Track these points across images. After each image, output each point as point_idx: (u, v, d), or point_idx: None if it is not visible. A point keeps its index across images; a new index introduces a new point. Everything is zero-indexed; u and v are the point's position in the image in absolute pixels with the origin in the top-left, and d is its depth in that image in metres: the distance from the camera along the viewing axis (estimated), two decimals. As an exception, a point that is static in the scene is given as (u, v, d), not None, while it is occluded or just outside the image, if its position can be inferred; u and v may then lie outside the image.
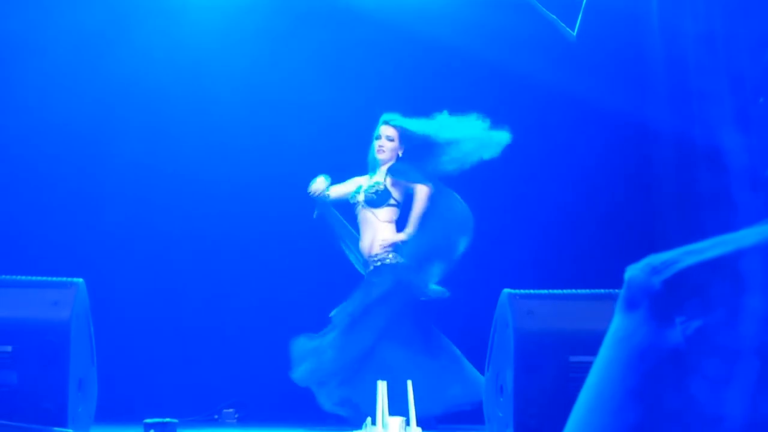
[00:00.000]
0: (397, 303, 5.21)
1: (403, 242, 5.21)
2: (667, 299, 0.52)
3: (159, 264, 6.12)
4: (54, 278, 4.19)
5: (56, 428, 3.87)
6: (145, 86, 6.10)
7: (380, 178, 5.38)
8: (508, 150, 6.26)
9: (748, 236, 0.54)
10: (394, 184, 5.34)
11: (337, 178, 5.52)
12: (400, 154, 5.40)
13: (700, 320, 0.51)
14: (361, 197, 5.37)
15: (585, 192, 6.20)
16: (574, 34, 6.12)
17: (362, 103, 6.13)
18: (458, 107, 6.28)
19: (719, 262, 0.53)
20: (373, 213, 5.31)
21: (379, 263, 5.24)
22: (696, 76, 6.16)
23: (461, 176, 6.17)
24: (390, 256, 5.24)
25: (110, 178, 6.09)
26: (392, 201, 5.35)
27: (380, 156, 5.36)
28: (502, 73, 6.15)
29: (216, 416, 5.83)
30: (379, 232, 5.26)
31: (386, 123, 5.41)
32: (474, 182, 6.23)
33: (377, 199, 5.32)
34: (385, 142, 5.39)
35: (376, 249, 5.25)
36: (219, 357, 6.14)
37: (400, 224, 5.35)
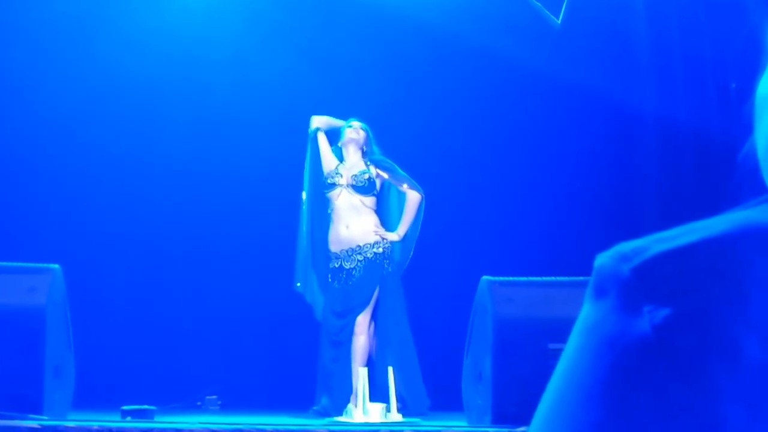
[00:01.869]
0: (391, 299, 5.20)
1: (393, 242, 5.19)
2: (636, 287, 0.52)
3: (138, 249, 6.08)
4: (30, 264, 4.17)
5: (32, 415, 3.86)
6: (125, 73, 6.04)
7: (362, 165, 5.34)
8: (490, 136, 6.25)
9: (718, 223, 0.53)
10: (378, 175, 5.29)
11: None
12: (365, 149, 5.34)
13: (669, 309, 0.50)
14: (344, 181, 5.25)
15: (567, 178, 6.19)
16: (559, 21, 6.10)
17: (350, 90, 6.10)
18: (443, 92, 6.26)
19: (689, 249, 0.52)
20: (360, 200, 5.25)
21: (381, 250, 5.12)
22: (680, 61, 6.15)
23: (442, 163, 6.16)
24: (389, 246, 5.17)
25: (88, 164, 6.04)
26: (375, 191, 5.31)
27: (353, 135, 5.29)
28: (486, 58, 6.13)
29: (199, 403, 5.83)
30: (367, 219, 5.20)
31: (356, 120, 5.38)
32: (454, 169, 6.21)
33: (367, 187, 5.25)
34: (360, 130, 5.35)
35: (371, 237, 5.14)
36: (201, 344, 6.12)
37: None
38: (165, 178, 6.14)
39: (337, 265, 5.17)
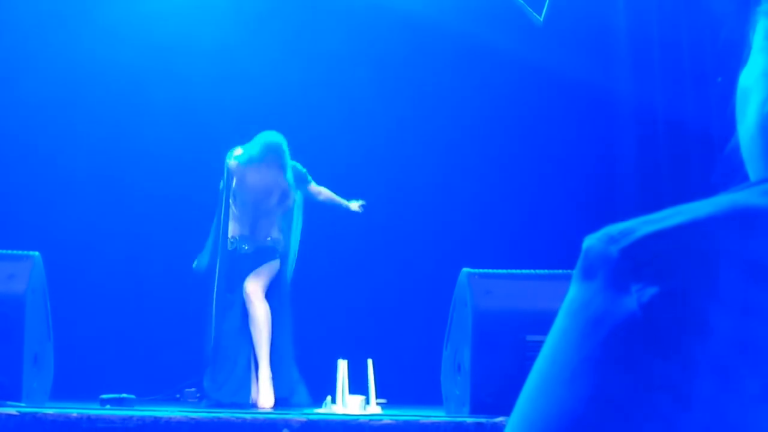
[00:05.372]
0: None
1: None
2: (624, 268, 0.53)
3: (119, 238, 6.06)
4: (9, 251, 4.15)
5: (10, 402, 3.84)
6: (107, 62, 6.02)
7: (284, 185, 5.30)
8: (469, 128, 6.27)
9: (705, 206, 0.54)
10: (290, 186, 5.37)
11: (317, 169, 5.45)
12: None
13: (656, 288, 0.51)
14: (274, 202, 5.27)
15: (547, 173, 6.22)
16: (541, 19, 6.13)
17: (336, 84, 6.10)
18: (421, 85, 6.27)
19: (677, 230, 0.53)
20: (276, 217, 5.30)
21: (278, 246, 5.24)
22: (658, 52, 6.20)
23: (422, 156, 6.17)
24: (285, 249, 5.28)
25: (69, 152, 6.02)
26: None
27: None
28: (464, 50, 6.15)
29: (177, 395, 5.81)
30: (273, 226, 5.27)
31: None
32: (435, 162, 6.23)
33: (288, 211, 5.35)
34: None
35: (272, 235, 5.24)
36: (180, 335, 6.10)
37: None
38: (146, 167, 6.13)
39: (231, 249, 5.26)
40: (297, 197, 5.47)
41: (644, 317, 0.51)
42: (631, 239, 0.53)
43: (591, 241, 0.56)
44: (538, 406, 0.53)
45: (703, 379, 0.50)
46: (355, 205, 5.45)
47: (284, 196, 5.32)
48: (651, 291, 0.51)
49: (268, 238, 5.28)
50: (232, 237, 5.30)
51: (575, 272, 0.56)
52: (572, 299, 0.55)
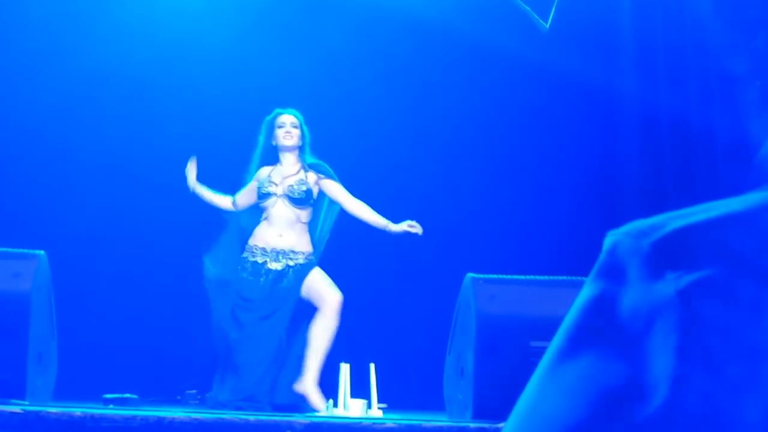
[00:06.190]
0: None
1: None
2: (658, 259, 0.53)
3: (124, 238, 6.07)
4: (15, 249, 4.16)
5: (14, 400, 3.85)
6: (114, 62, 6.04)
7: (299, 171, 5.07)
8: (472, 131, 6.28)
9: (734, 202, 0.55)
10: (315, 183, 5.08)
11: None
12: (301, 145, 5.14)
13: (694, 275, 0.51)
14: (280, 190, 5.01)
15: (552, 178, 6.23)
16: (547, 25, 6.15)
17: (338, 84, 6.11)
18: (425, 87, 6.29)
19: (707, 224, 0.53)
20: (295, 212, 5.01)
21: (307, 260, 4.99)
22: (664, 54, 6.21)
23: (426, 159, 6.18)
24: (312, 259, 5.04)
25: (75, 151, 6.03)
26: (312, 201, 5.04)
27: (289, 142, 5.05)
28: (467, 51, 6.16)
29: (178, 397, 5.81)
30: (302, 233, 5.02)
31: (286, 113, 5.17)
32: (438, 165, 6.24)
33: (304, 198, 5.01)
34: (292, 129, 5.09)
35: (304, 247, 4.99)
36: (184, 337, 6.11)
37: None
38: (152, 167, 6.14)
39: (260, 261, 5.01)
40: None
41: (681, 303, 0.51)
42: (662, 233, 0.53)
43: (617, 236, 0.55)
44: (550, 401, 0.53)
45: (741, 369, 0.50)
46: (404, 226, 5.01)
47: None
48: (689, 278, 0.51)
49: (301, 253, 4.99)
50: (262, 248, 5.01)
51: (596, 269, 0.56)
52: (593, 295, 0.55)
